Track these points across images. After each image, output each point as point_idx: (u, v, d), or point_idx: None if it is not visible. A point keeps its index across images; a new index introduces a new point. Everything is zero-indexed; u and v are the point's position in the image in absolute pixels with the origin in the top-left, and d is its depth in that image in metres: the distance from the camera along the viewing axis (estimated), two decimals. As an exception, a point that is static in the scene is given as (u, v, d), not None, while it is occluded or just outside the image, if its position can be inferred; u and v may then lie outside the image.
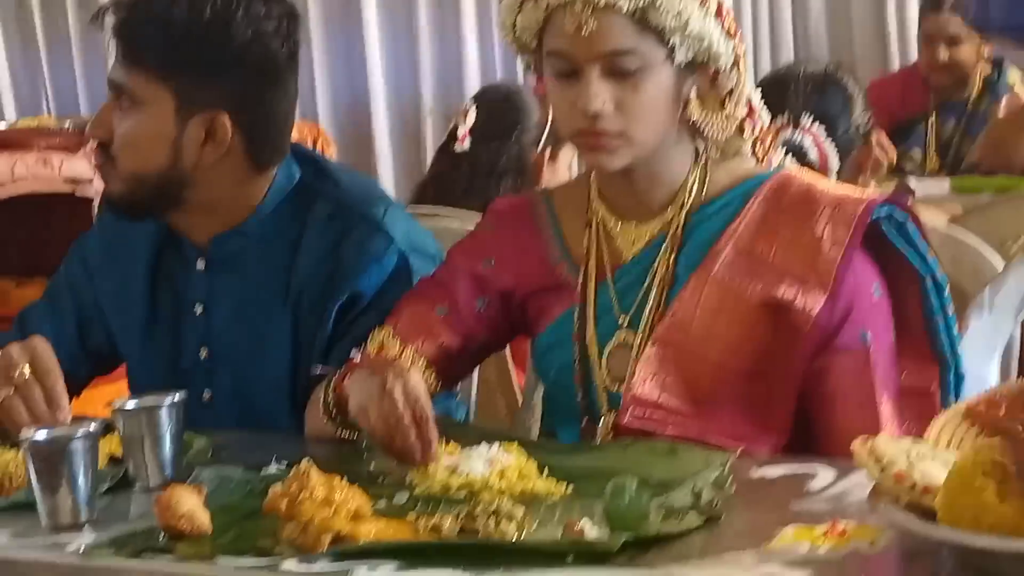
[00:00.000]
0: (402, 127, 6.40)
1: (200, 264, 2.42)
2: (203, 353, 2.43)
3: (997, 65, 5.38)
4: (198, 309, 2.43)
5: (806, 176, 2.19)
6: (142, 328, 2.47)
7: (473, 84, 6.18)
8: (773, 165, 2.21)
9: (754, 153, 2.21)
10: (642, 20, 2.04)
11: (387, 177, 6.32)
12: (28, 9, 6.71)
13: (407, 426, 1.91)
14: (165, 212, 2.37)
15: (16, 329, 2.52)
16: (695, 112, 2.13)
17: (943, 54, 5.29)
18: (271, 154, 2.37)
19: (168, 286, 2.46)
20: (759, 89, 2.22)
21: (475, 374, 2.78)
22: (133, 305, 2.48)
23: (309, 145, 5.23)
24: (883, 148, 3.08)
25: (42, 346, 2.16)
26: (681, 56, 2.07)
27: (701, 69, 2.12)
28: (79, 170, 4.89)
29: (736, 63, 2.12)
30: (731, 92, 2.14)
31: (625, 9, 2.03)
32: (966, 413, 1.72)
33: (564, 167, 3.76)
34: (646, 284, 2.16)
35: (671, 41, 2.06)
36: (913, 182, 4.59)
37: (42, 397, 2.12)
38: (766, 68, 5.75)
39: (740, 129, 2.18)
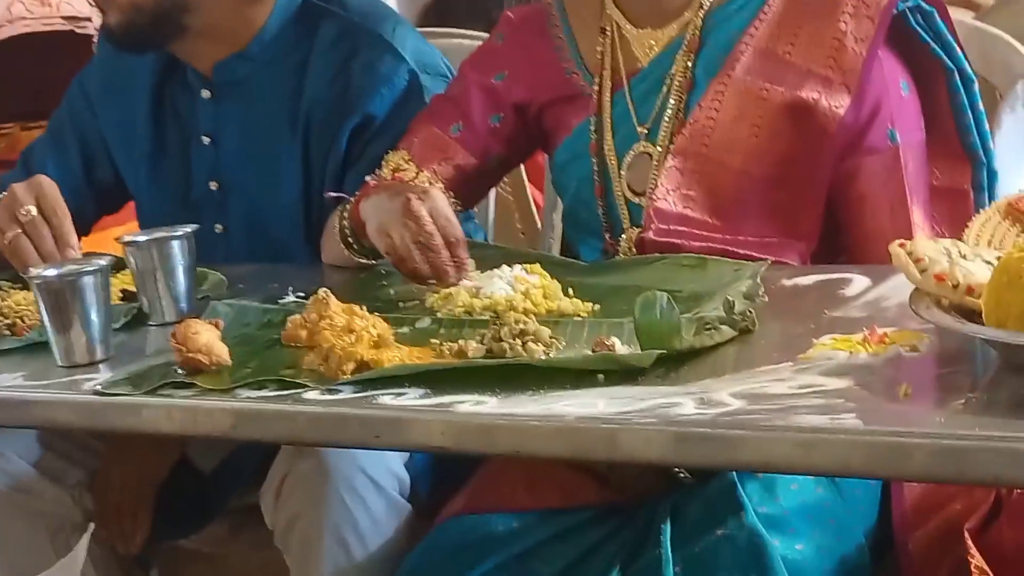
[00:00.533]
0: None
1: (205, 93, 2.35)
2: (213, 185, 2.37)
3: None
4: (206, 140, 2.36)
5: None
6: (148, 160, 2.41)
7: None
8: None
9: None
10: None
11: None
12: None
13: (439, 246, 1.85)
14: (166, 41, 2.29)
15: (20, 168, 2.46)
16: None
17: None
18: None
19: (173, 117, 2.39)
20: None
21: (491, 196, 2.73)
22: (138, 137, 2.41)
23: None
24: None
25: (47, 184, 2.09)
26: None
27: None
28: (78, 7, 4.79)
29: None
30: None
31: None
32: (1006, 211, 1.66)
33: None
34: (664, 91, 2.09)
35: None
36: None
37: (50, 235, 2.06)
38: None
39: None
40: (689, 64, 2.07)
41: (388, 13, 2.40)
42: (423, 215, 1.86)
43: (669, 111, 2.08)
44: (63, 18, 4.88)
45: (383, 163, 2.17)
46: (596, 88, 2.13)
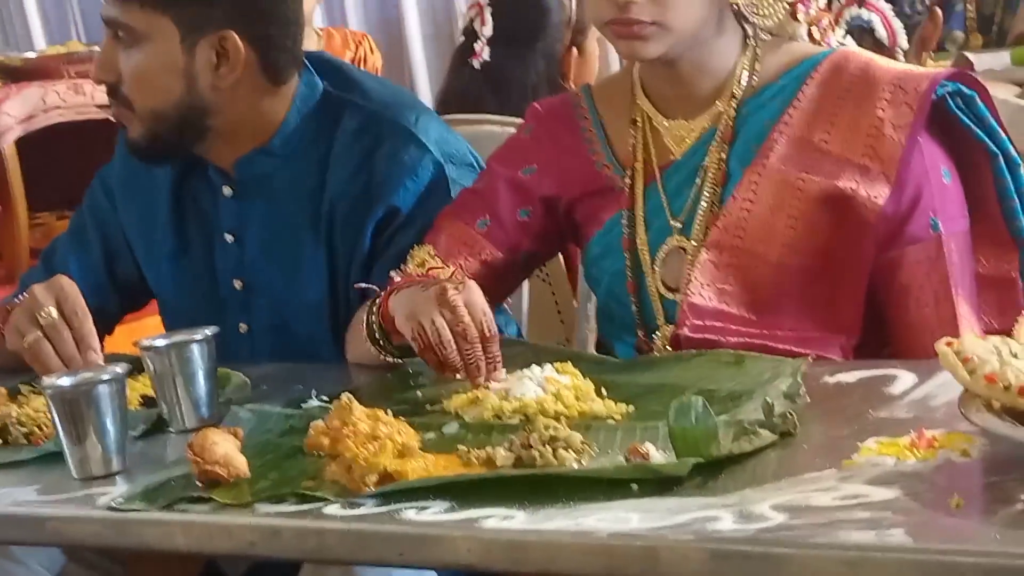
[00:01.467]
0: (435, 31, 6.22)
1: (227, 190, 2.29)
2: (237, 284, 2.31)
3: None
4: (229, 238, 2.31)
5: (864, 54, 2.05)
6: (170, 259, 2.36)
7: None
8: (832, 46, 2.06)
9: (811, 37, 2.07)
10: None
11: (423, 87, 6.16)
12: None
13: (475, 337, 1.79)
14: (189, 146, 2.25)
15: (42, 266, 2.42)
16: None
17: None
18: (287, 65, 2.23)
19: (195, 214, 2.34)
20: None
21: (525, 284, 2.67)
22: (159, 235, 2.36)
23: (354, 53, 5.12)
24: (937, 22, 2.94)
25: (68, 285, 2.05)
26: None
27: None
28: (113, 95, 4.76)
29: None
30: None
31: None
32: (1058, 303, 1.59)
33: (594, 59, 3.56)
34: (697, 183, 2.02)
35: None
36: (971, 57, 4.41)
37: (71, 338, 2.01)
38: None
39: (794, 14, 2.03)
40: (723, 156, 2.01)
41: (411, 102, 2.35)
42: (459, 305, 1.80)
43: (703, 204, 2.01)
44: (97, 106, 4.87)
45: (408, 257, 2.11)
46: (628, 182, 2.07)
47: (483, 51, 3.43)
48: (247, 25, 2.17)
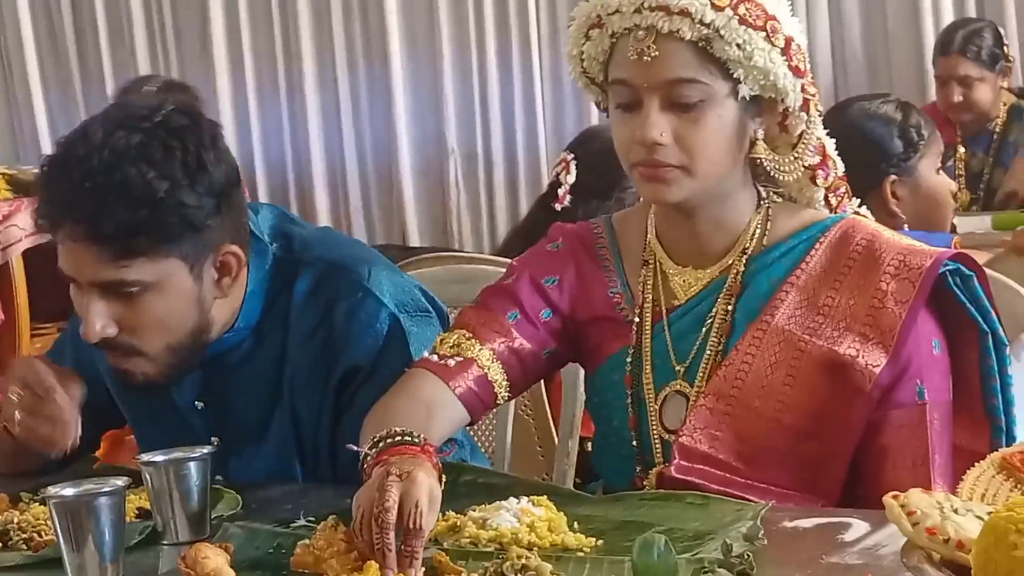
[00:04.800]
0: (425, 166, 6.42)
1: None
2: (215, 441, 2.30)
3: (1022, 94, 5.31)
4: (199, 405, 2.34)
5: (871, 224, 2.13)
6: (140, 421, 2.43)
7: (495, 121, 6.28)
8: (847, 213, 2.16)
9: (827, 203, 2.16)
10: (705, 51, 2.01)
11: (412, 219, 6.37)
12: (65, 58, 6.81)
13: (388, 524, 1.70)
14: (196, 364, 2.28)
15: None
16: (762, 152, 2.09)
17: (957, 95, 5.22)
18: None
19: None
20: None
21: (510, 416, 2.77)
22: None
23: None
24: None
25: (38, 365, 2.18)
26: (745, 90, 2.03)
27: (769, 108, 2.08)
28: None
29: (806, 104, 2.08)
30: (801, 135, 2.10)
31: (688, 37, 2.00)
32: (1000, 465, 1.69)
33: None
34: (703, 332, 2.11)
35: (735, 74, 2.02)
36: (956, 219, 4.52)
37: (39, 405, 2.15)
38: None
39: (813, 178, 2.14)
40: (729, 308, 2.10)
41: (362, 254, 2.38)
42: (389, 491, 1.74)
43: (708, 353, 2.10)
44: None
45: (439, 341, 2.14)
46: (636, 319, 2.16)
47: (565, 197, 3.63)
48: (236, 232, 2.22)
